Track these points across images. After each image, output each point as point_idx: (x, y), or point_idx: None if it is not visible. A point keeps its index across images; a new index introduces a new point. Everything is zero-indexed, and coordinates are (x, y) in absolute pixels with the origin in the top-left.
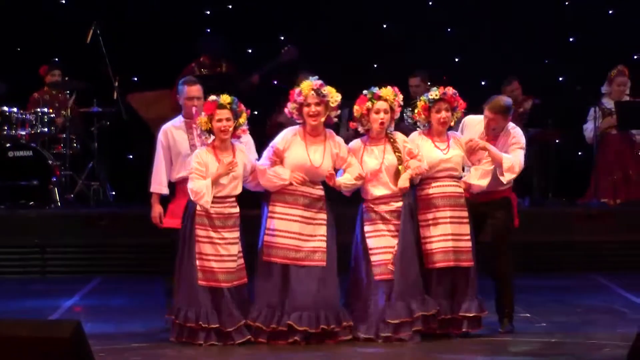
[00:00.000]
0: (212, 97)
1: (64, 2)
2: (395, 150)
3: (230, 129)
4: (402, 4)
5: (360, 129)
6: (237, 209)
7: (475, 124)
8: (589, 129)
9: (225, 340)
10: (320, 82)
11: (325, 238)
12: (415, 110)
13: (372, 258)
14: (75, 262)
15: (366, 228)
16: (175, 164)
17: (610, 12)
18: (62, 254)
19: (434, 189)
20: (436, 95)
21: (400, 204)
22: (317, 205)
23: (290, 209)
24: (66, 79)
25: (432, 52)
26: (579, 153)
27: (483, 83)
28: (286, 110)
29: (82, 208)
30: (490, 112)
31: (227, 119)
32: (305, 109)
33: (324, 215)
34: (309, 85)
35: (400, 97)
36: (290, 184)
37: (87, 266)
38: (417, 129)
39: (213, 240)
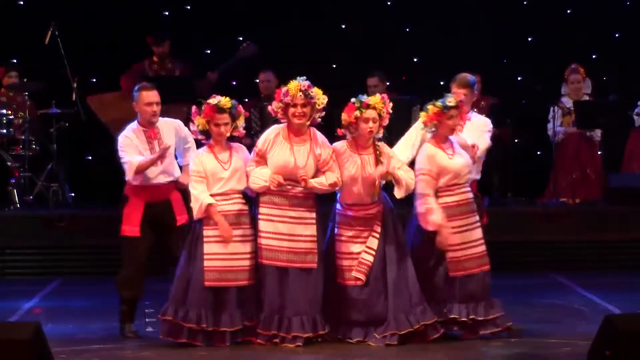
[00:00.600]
0: (212, 100)
1: (21, 3)
2: (378, 162)
3: (228, 133)
4: (361, 3)
5: (348, 136)
6: (246, 206)
7: None
8: (550, 128)
9: (220, 341)
10: (308, 82)
11: (315, 238)
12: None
13: (342, 262)
14: (34, 263)
15: (338, 231)
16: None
17: (568, 11)
18: (21, 255)
19: (451, 198)
20: (454, 102)
21: (374, 210)
22: (306, 204)
23: (279, 210)
24: (24, 80)
25: (390, 52)
26: (538, 152)
27: (442, 83)
28: (270, 108)
29: (41, 209)
30: (458, 87)
31: (226, 124)
32: (292, 110)
33: (313, 215)
34: (296, 85)
35: (390, 104)
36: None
37: (46, 268)
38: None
39: (221, 238)
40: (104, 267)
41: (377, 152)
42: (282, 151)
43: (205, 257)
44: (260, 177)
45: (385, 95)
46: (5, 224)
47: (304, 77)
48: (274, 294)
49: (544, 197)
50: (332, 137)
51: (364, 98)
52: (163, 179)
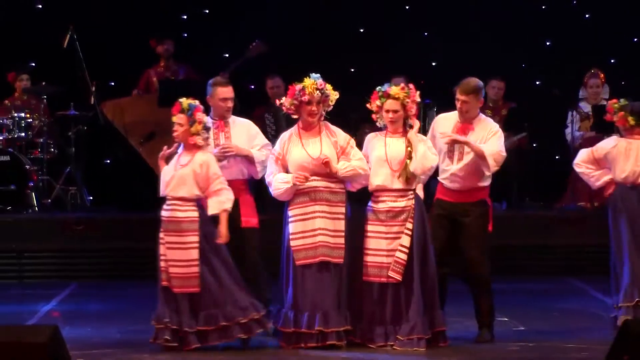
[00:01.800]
0: (181, 99)
1: (40, 6)
2: (409, 145)
3: (177, 133)
4: (379, 8)
5: (378, 123)
6: (189, 214)
7: (446, 121)
8: (569, 133)
9: (205, 341)
10: (322, 80)
11: (344, 234)
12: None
13: (368, 259)
14: (52, 267)
15: (366, 227)
16: None
17: (586, 16)
18: (39, 258)
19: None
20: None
21: (403, 202)
22: (337, 198)
23: (310, 207)
24: (42, 83)
25: (408, 56)
26: (557, 157)
27: None
28: (284, 107)
29: (59, 213)
30: (462, 94)
31: (180, 124)
32: (307, 108)
33: (342, 209)
34: (312, 84)
35: (416, 93)
36: (295, 183)
37: (64, 271)
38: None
39: (164, 243)
40: (122, 271)
41: (407, 140)
42: (296, 148)
43: (160, 258)
44: (282, 182)
45: (411, 86)
46: (23, 227)
47: (318, 75)
48: (313, 292)
49: (562, 201)
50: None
51: (386, 87)
52: (227, 177)
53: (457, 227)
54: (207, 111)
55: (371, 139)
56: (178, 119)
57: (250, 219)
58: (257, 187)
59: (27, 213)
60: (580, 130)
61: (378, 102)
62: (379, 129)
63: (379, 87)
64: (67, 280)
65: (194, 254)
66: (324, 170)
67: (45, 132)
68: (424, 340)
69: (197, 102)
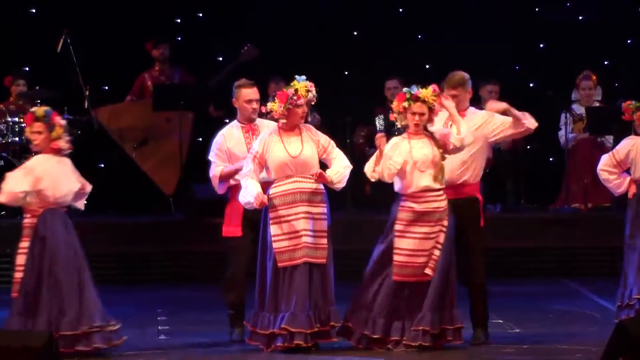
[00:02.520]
0: (33, 109)
1: (34, 10)
2: (436, 144)
3: (37, 142)
4: (373, 10)
5: (398, 123)
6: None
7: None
8: (562, 135)
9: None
10: (309, 82)
11: (326, 234)
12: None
13: (401, 259)
14: None
15: (405, 228)
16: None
17: (580, 18)
18: None
19: None
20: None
21: (437, 203)
22: (318, 198)
23: (293, 208)
24: (36, 88)
25: (402, 59)
26: (550, 159)
27: None
28: (275, 114)
29: None
30: (450, 88)
31: (39, 132)
32: (299, 110)
33: (324, 209)
34: (303, 86)
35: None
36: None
37: None
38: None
39: None
40: (117, 275)
41: (429, 134)
42: (277, 147)
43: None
44: (249, 194)
45: (436, 86)
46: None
47: (304, 77)
48: (300, 293)
49: (556, 203)
50: (344, 143)
51: (415, 90)
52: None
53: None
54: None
55: (399, 142)
56: (35, 128)
57: None
58: None
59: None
60: (573, 132)
61: (405, 104)
62: (375, 131)
63: (406, 88)
64: None
65: (21, 259)
66: (305, 170)
67: None
68: (429, 334)
69: (50, 109)
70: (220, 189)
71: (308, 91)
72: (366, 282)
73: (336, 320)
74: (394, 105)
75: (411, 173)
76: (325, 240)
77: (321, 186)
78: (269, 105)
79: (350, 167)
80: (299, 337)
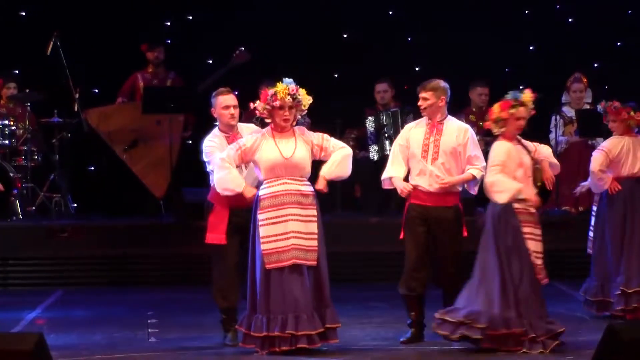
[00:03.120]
0: None
1: (23, 13)
2: (528, 151)
3: None
4: (362, 13)
5: (496, 131)
6: None
7: (416, 129)
8: (552, 137)
9: None
10: (294, 86)
11: (317, 236)
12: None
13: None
14: (37, 274)
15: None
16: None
17: (570, 20)
18: (24, 266)
19: None
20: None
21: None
22: (308, 200)
23: (282, 210)
24: (26, 91)
25: (392, 62)
26: None
27: None
28: (257, 111)
29: (43, 220)
30: (422, 90)
31: None
32: (280, 112)
33: (315, 212)
34: (284, 89)
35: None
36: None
37: (49, 278)
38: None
39: None
40: (106, 278)
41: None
42: (269, 146)
43: None
44: (233, 183)
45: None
46: (7, 234)
47: (291, 80)
48: (286, 296)
49: (547, 205)
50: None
51: (520, 95)
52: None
53: (432, 233)
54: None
55: (512, 148)
56: None
57: None
58: None
59: (12, 220)
60: (564, 134)
61: (512, 110)
62: (365, 133)
63: (511, 93)
64: (52, 287)
65: None
66: (296, 172)
67: (29, 140)
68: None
69: None
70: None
71: (289, 94)
72: None
73: (332, 321)
74: (495, 112)
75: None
76: (315, 243)
77: (310, 188)
78: (257, 102)
79: (348, 151)
80: (303, 341)
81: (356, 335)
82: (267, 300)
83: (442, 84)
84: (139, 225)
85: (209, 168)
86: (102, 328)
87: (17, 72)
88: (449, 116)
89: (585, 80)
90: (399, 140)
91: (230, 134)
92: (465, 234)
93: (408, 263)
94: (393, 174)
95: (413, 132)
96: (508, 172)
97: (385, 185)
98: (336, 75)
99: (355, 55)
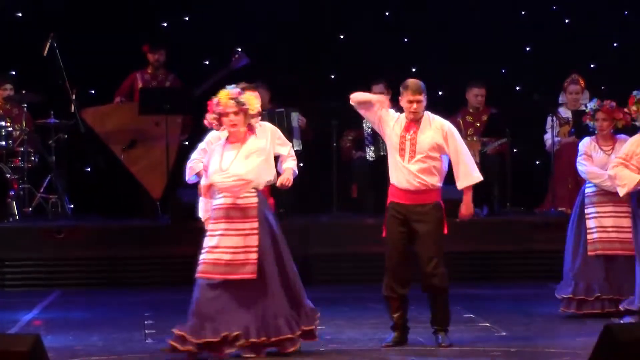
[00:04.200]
0: None
1: (20, 15)
2: None
3: None
4: (358, 14)
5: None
6: None
7: (396, 123)
8: (548, 138)
9: None
10: (238, 90)
11: (256, 249)
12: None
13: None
14: (34, 275)
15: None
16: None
17: (566, 21)
18: (20, 267)
19: None
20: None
21: None
22: (248, 214)
23: (219, 224)
24: (23, 92)
25: (388, 62)
26: (537, 162)
27: (440, 93)
28: (205, 121)
29: (40, 221)
30: (416, 93)
31: None
32: (225, 119)
33: (255, 224)
34: (226, 94)
35: None
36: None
37: (46, 279)
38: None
39: None
40: (104, 279)
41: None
42: (214, 158)
43: None
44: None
45: None
46: (4, 235)
47: (233, 85)
48: (209, 304)
49: (543, 206)
50: (331, 147)
51: None
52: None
53: (412, 232)
54: None
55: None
56: None
57: None
58: None
59: (8, 222)
60: (559, 135)
61: (634, 107)
62: (362, 135)
63: (636, 91)
64: (48, 288)
65: None
66: (234, 187)
67: (25, 141)
68: None
69: None
70: (189, 178)
71: (232, 99)
72: None
73: (308, 324)
74: (636, 109)
75: None
76: (255, 256)
77: (252, 200)
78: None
79: (292, 158)
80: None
81: (353, 336)
82: (199, 308)
83: (420, 83)
84: (136, 227)
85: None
86: (99, 329)
87: (13, 73)
88: (426, 112)
89: (582, 82)
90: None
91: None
92: (446, 231)
93: (388, 263)
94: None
95: (395, 126)
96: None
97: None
98: (333, 77)
99: (351, 56)
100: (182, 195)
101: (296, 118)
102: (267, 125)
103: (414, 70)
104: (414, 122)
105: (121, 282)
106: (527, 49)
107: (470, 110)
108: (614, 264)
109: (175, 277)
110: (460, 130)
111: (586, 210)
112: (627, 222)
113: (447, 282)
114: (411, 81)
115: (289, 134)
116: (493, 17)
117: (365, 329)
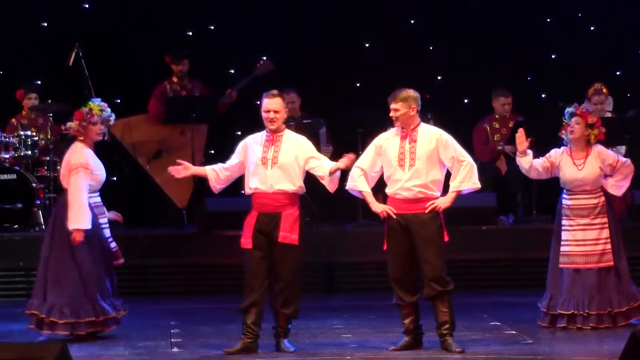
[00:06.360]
0: None
1: (45, 24)
2: None
3: None
4: (383, 22)
5: None
6: None
7: (391, 140)
8: None
9: None
10: (104, 103)
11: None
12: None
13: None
14: None
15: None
16: (248, 175)
17: (591, 28)
18: None
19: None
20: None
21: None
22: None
23: None
24: (49, 101)
25: (413, 70)
26: None
27: (465, 101)
28: (72, 130)
29: None
30: (392, 101)
31: None
32: (94, 128)
33: None
34: (97, 106)
35: None
36: None
37: None
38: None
39: None
40: (130, 288)
41: None
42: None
43: None
44: None
45: None
46: (30, 245)
47: (99, 99)
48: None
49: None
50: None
51: None
52: (270, 189)
53: (413, 241)
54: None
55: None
56: None
57: (288, 234)
58: None
59: (34, 231)
60: None
61: None
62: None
63: None
64: None
65: None
66: None
67: (51, 150)
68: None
69: None
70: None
71: (102, 110)
72: None
73: None
74: None
75: None
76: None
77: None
78: (68, 124)
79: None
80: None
81: (379, 345)
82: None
83: (412, 93)
84: (162, 236)
85: None
86: (125, 338)
87: (39, 82)
88: (422, 123)
89: (605, 91)
90: (376, 141)
91: (271, 134)
92: (446, 239)
93: (392, 275)
94: (363, 188)
95: (388, 142)
96: None
97: (350, 189)
98: (358, 85)
99: (376, 64)
100: (209, 205)
101: (323, 129)
102: (299, 137)
103: (439, 78)
104: (413, 131)
105: (147, 291)
106: (553, 56)
107: (497, 117)
108: (584, 277)
109: (201, 287)
110: (486, 136)
111: (562, 222)
112: (598, 234)
113: (450, 286)
114: (396, 90)
115: (316, 144)
116: (518, 24)
117: (392, 337)
